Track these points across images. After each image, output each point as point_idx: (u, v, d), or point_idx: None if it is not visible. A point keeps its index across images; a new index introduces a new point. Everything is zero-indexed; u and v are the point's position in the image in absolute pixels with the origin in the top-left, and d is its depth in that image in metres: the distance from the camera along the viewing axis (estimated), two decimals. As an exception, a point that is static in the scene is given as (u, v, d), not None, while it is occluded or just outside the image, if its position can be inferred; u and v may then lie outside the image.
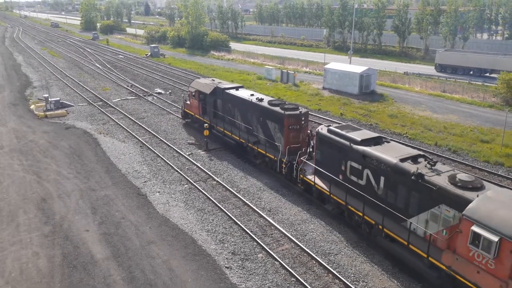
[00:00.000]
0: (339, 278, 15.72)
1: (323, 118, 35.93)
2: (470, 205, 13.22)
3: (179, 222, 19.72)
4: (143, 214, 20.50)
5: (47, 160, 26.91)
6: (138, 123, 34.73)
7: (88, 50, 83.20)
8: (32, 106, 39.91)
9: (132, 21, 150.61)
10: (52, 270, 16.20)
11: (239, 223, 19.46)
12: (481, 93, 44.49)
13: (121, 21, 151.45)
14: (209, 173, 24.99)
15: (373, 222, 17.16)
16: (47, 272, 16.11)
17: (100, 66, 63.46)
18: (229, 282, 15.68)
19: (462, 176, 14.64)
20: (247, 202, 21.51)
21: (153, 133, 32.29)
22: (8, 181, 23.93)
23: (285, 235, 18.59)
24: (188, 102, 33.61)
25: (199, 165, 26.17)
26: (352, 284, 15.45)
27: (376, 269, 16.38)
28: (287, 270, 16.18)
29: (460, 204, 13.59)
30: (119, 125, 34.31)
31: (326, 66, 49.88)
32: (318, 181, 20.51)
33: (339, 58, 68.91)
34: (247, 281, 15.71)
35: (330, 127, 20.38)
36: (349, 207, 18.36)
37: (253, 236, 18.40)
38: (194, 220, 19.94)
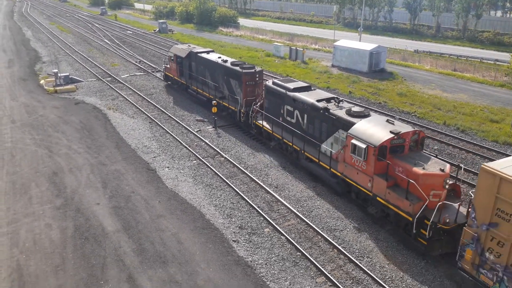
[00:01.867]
0: (344, 253, 16.05)
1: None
2: (353, 127, 18.17)
3: (188, 197, 20.09)
4: (152, 188, 20.88)
5: (58, 135, 27.30)
6: (146, 99, 34.89)
7: (97, 25, 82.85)
8: (42, 81, 40.15)
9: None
10: (64, 241, 16.70)
11: (246, 198, 19.78)
12: (492, 72, 43.90)
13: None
14: (217, 149, 25.23)
15: (299, 149, 22.36)
16: (60, 243, 16.61)
17: (108, 42, 63.32)
18: (236, 255, 16.08)
19: (355, 108, 19.82)
20: (254, 178, 21.78)
21: (162, 109, 32.47)
22: (20, 155, 24.39)
23: (292, 211, 18.90)
24: (168, 66, 38.01)
25: (207, 141, 26.40)
26: (356, 259, 15.77)
27: (380, 246, 16.67)
28: (293, 245, 16.54)
29: (349, 127, 18.37)
30: (128, 101, 34.51)
31: (335, 43, 49.32)
32: (266, 124, 25.40)
33: (349, 35, 68.04)
34: (254, 254, 16.09)
35: (274, 80, 25.44)
36: (285, 140, 23.57)
37: (260, 211, 18.73)
38: (203, 195, 20.29)
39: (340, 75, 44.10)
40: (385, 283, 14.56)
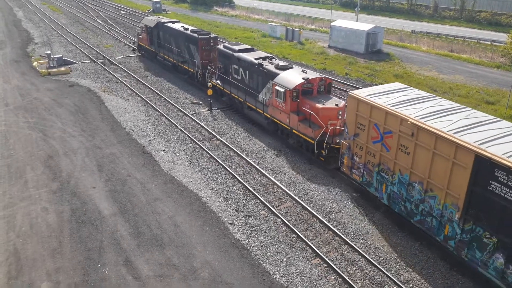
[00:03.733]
0: (339, 235, 16.20)
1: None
2: (277, 76, 22.74)
3: (184, 180, 20.12)
4: (148, 172, 20.87)
5: (52, 118, 27.09)
6: (141, 81, 34.58)
7: (90, 5, 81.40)
8: (35, 63, 39.61)
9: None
10: (61, 225, 16.75)
11: (242, 181, 19.84)
12: (489, 53, 43.73)
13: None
14: (213, 132, 25.17)
15: (242, 100, 26.51)
16: (56, 226, 16.66)
17: (101, 22, 62.33)
18: (232, 237, 16.20)
19: (281, 63, 24.33)
20: (250, 161, 21.80)
21: (157, 91, 32.22)
22: (15, 138, 24.23)
23: (287, 194, 19.00)
24: (140, 36, 41.53)
25: (203, 124, 26.31)
26: (351, 241, 15.93)
27: (375, 227, 16.83)
28: (289, 227, 16.67)
29: (275, 77, 22.75)
30: (123, 83, 34.19)
31: (332, 24, 48.83)
32: (219, 83, 29.13)
33: (346, 15, 67.30)
34: (250, 237, 16.23)
35: (224, 44, 29.49)
36: (232, 94, 27.61)
37: (256, 194, 18.81)
38: (199, 178, 20.32)
39: (337, 56, 43.77)
40: (379, 265, 14.76)
